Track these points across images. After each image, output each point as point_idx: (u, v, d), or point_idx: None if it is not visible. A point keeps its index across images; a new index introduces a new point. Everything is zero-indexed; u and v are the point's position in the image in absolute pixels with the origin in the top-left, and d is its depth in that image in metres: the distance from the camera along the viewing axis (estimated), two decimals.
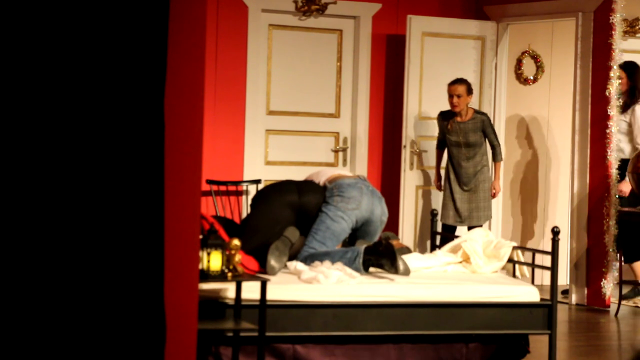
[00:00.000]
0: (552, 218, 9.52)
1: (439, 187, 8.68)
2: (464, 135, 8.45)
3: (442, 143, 8.64)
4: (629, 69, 8.70)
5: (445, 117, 8.54)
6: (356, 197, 6.42)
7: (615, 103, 8.44)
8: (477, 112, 8.52)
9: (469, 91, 8.44)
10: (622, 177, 8.55)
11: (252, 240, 6.25)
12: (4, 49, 3.64)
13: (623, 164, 8.47)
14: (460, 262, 6.54)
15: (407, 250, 6.56)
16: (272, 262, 6.06)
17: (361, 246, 6.22)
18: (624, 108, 8.57)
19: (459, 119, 8.47)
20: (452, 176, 8.54)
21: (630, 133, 8.64)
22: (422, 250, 8.75)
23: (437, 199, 8.84)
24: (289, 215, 6.41)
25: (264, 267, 6.11)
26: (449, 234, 7.10)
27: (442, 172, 8.70)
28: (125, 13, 3.80)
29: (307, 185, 6.60)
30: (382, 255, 6.08)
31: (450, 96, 8.40)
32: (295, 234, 6.27)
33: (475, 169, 8.49)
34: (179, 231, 4.04)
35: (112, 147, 3.78)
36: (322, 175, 6.74)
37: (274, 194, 6.49)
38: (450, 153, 8.56)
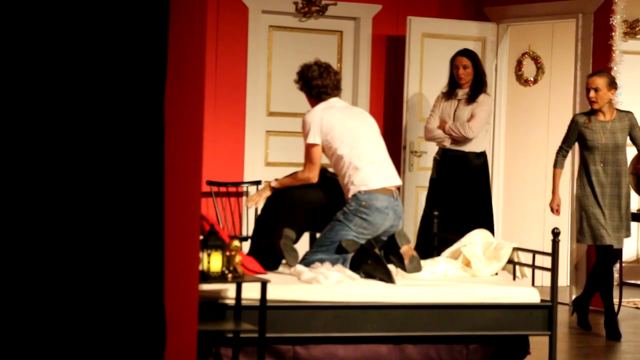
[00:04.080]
0: (552, 219, 9.52)
1: (557, 211, 7.77)
2: (611, 137, 7.46)
3: (563, 160, 7.71)
4: (474, 57, 8.28)
5: (582, 120, 7.59)
6: (377, 224, 6.27)
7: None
8: (620, 110, 7.61)
9: (611, 85, 7.50)
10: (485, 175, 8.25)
11: (262, 234, 6.32)
12: (3, 50, 3.64)
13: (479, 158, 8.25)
14: (461, 267, 6.54)
15: (417, 260, 6.38)
16: (290, 259, 6.20)
17: (348, 254, 6.20)
18: (471, 98, 8.18)
19: (601, 117, 7.52)
20: (597, 188, 7.48)
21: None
22: (421, 251, 8.74)
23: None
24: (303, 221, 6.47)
25: (267, 267, 6.16)
26: (449, 235, 7.06)
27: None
28: (126, 15, 3.80)
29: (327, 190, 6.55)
30: (373, 270, 6.06)
31: (588, 90, 7.56)
32: (293, 234, 6.31)
33: (621, 177, 7.50)
34: (179, 232, 4.04)
35: (112, 149, 3.78)
36: (361, 161, 6.32)
37: (301, 207, 6.49)
38: (588, 159, 7.54)
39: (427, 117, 8.42)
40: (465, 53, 8.28)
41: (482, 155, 8.29)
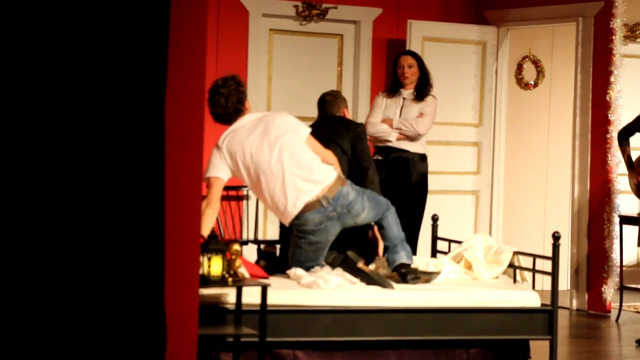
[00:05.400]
0: (553, 223, 9.52)
1: None
2: None
3: None
4: (418, 57, 8.14)
5: None
6: (324, 239, 6.02)
7: (615, 107, 8.44)
8: None
9: None
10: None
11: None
12: (4, 55, 3.64)
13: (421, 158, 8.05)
14: (463, 270, 6.53)
15: (436, 274, 6.30)
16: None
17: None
18: (419, 97, 7.98)
19: None
20: None
21: None
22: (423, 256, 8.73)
23: (438, 204, 8.79)
24: None
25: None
26: (450, 240, 7.04)
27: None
28: (126, 17, 3.79)
29: None
30: (367, 282, 6.02)
31: None
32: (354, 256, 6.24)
33: None
34: (180, 236, 4.03)
35: (112, 153, 3.77)
36: (275, 191, 5.97)
37: None
38: None
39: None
40: (410, 52, 8.19)
41: (425, 158, 8.13)
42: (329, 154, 6.22)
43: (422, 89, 8.02)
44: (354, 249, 6.25)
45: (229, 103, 6.07)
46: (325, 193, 5.99)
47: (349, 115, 6.98)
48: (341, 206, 6.01)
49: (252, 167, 6.01)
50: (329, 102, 6.87)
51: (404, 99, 8.03)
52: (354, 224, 6.12)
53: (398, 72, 8.06)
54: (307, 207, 5.97)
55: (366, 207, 6.10)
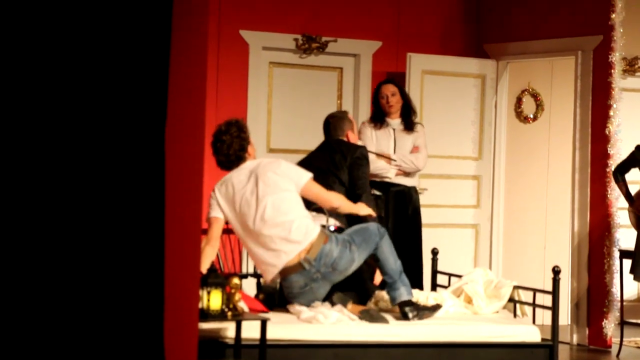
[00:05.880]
0: (553, 257, 9.49)
1: None
2: None
3: None
4: (399, 84, 8.10)
5: None
6: (312, 298, 5.99)
7: (614, 141, 8.44)
8: None
9: None
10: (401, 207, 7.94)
11: None
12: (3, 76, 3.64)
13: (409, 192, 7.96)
14: (463, 305, 6.50)
15: (437, 308, 6.28)
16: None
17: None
18: (408, 127, 7.93)
19: None
20: None
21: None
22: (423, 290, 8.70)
23: (437, 237, 8.77)
24: None
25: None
26: (450, 273, 7.02)
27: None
28: (127, 49, 3.79)
29: None
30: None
31: None
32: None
33: None
34: (179, 270, 4.02)
35: (113, 186, 3.76)
36: (259, 248, 6.01)
37: None
38: None
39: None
40: (391, 81, 8.13)
41: (417, 190, 8.06)
42: (333, 197, 6.22)
43: (408, 117, 7.98)
44: (339, 292, 6.17)
45: (230, 151, 6.13)
46: (306, 255, 5.95)
47: (353, 136, 6.94)
48: (325, 266, 5.97)
49: (240, 220, 6.05)
50: (332, 126, 6.92)
51: (394, 129, 7.98)
52: (344, 277, 6.07)
53: (382, 102, 8.01)
54: (289, 270, 5.97)
55: (356, 257, 6.02)
